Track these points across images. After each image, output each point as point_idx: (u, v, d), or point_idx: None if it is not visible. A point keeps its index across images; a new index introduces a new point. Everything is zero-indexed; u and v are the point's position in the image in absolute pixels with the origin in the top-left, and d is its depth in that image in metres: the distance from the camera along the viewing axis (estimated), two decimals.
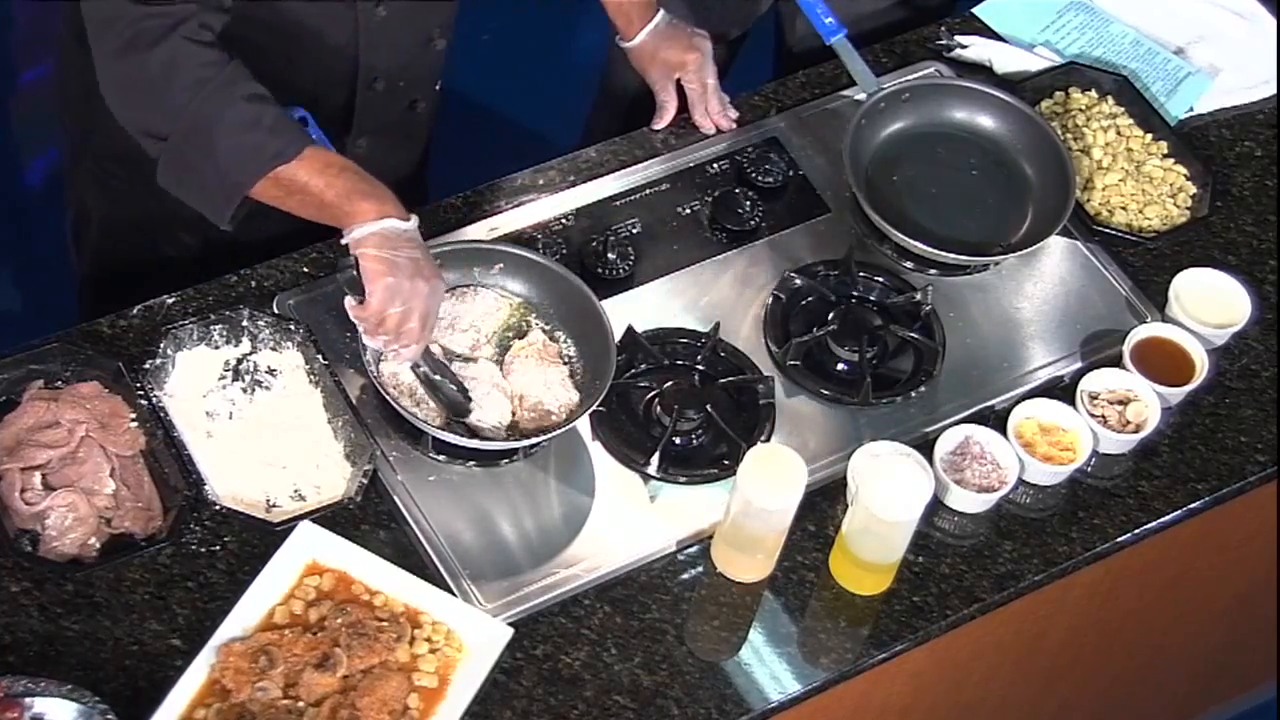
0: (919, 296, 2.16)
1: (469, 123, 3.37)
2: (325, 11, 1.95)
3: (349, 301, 1.88)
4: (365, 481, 1.94)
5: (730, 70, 2.53)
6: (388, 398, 1.95)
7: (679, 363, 2.10)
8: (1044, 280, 2.24)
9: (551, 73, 3.43)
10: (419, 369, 1.94)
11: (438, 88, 2.17)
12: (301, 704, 1.78)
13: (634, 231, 2.20)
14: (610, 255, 2.15)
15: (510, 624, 1.88)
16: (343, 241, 1.86)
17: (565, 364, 2.04)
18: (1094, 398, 2.10)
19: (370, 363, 1.97)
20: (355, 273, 1.85)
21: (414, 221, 1.87)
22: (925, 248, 2.18)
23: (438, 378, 1.95)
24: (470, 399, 1.97)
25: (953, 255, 2.18)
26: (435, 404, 1.96)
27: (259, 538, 1.90)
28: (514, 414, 2.00)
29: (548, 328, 2.06)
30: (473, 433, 1.97)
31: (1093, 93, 2.39)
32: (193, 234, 2.16)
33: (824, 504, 2.02)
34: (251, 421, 1.98)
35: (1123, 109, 2.37)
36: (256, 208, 1.90)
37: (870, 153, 2.28)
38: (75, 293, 2.36)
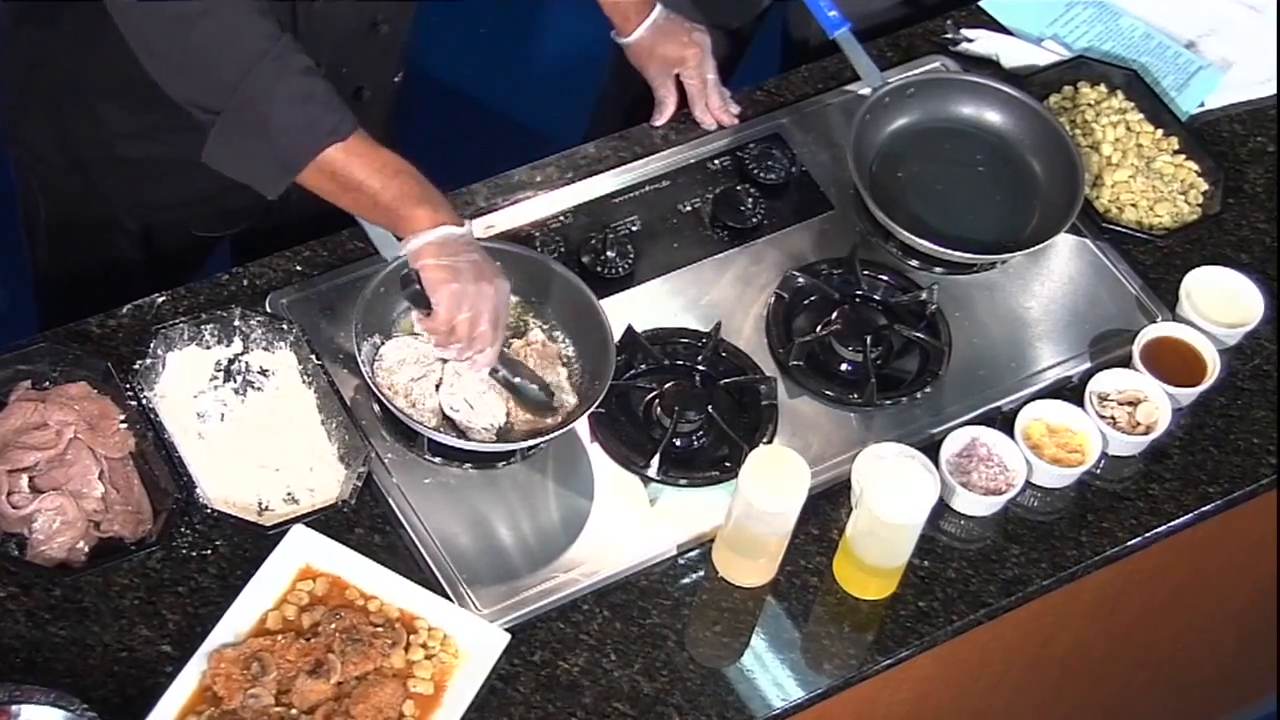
0: (924, 295, 2.16)
1: (465, 118, 3.38)
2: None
3: (415, 315, 1.90)
4: (359, 484, 1.94)
5: (738, 65, 2.53)
6: (382, 398, 1.96)
7: (679, 363, 2.10)
8: (1052, 279, 2.25)
9: (550, 68, 3.43)
10: (497, 373, 1.94)
11: (396, 79, 2.16)
12: (294, 711, 1.78)
13: (633, 229, 2.20)
14: (609, 253, 2.15)
15: (507, 629, 1.88)
16: (401, 254, 1.88)
17: (564, 365, 2.04)
18: (1103, 398, 2.11)
19: (365, 363, 1.97)
20: (418, 286, 1.86)
21: (469, 226, 1.88)
22: (931, 245, 2.18)
23: (517, 380, 1.96)
24: (553, 394, 1.97)
25: (959, 253, 2.19)
26: (519, 406, 1.97)
27: (251, 541, 1.91)
28: (510, 415, 2.00)
29: (546, 327, 2.07)
30: (466, 436, 1.98)
31: (1102, 87, 2.39)
32: (135, 220, 2.17)
33: (828, 507, 2.02)
34: (244, 423, 1.99)
35: (1133, 104, 2.38)
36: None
37: (875, 149, 2.28)
38: (35, 295, 2.37)
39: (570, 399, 2.01)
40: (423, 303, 1.87)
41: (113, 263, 2.22)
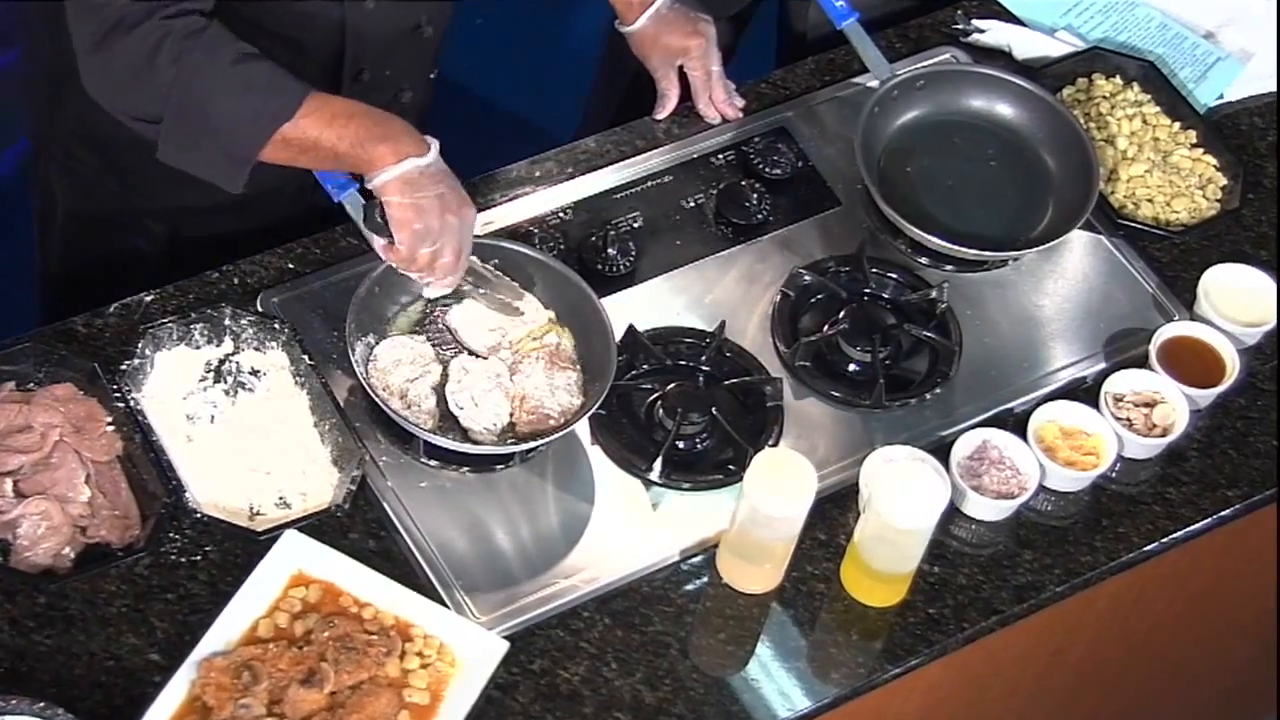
0: (934, 294, 2.16)
1: (462, 112, 3.37)
2: (312, 8, 1.96)
3: (377, 242, 1.92)
4: (353, 488, 1.94)
5: (735, 54, 2.53)
6: (377, 400, 1.96)
7: (682, 363, 2.10)
8: (1066, 276, 2.25)
9: (549, 60, 3.43)
10: (463, 286, 1.98)
11: (431, 77, 2.18)
12: None
13: (635, 226, 2.20)
14: (610, 251, 2.15)
15: (506, 637, 1.88)
16: (367, 187, 1.90)
17: (575, 369, 2.04)
18: (1119, 400, 2.11)
19: (359, 363, 1.97)
20: (380, 216, 1.89)
21: (434, 151, 1.90)
22: (941, 242, 2.18)
23: (483, 291, 2.00)
24: (519, 300, 2.02)
25: (970, 250, 2.19)
26: (488, 307, 2.02)
27: (242, 547, 1.91)
28: (512, 415, 2.00)
29: (563, 331, 2.06)
30: (466, 436, 1.98)
31: (1117, 79, 2.39)
32: (163, 223, 2.17)
33: (835, 511, 2.02)
34: (234, 425, 1.99)
35: (1149, 96, 2.38)
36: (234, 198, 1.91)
37: (883, 143, 2.28)
38: (39, 292, 2.36)
39: (575, 402, 2.01)
40: (387, 232, 1.90)
41: (128, 265, 2.21)
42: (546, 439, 1.97)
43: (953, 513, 2.02)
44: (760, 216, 2.22)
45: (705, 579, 1.97)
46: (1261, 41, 2.46)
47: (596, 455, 2.03)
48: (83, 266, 2.25)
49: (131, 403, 1.96)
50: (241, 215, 2.12)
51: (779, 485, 1.88)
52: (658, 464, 2.00)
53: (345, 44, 2.00)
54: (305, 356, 2.01)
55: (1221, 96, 2.42)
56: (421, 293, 2.00)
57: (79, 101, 1.93)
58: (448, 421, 1.99)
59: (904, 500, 1.88)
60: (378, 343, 2.01)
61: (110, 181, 2.11)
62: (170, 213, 2.00)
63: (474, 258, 2.00)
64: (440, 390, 2.00)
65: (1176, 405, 2.09)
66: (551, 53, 3.44)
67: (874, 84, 2.31)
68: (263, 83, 1.86)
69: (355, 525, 1.95)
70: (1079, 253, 2.26)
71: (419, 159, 1.88)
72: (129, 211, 2.16)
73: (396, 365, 1.99)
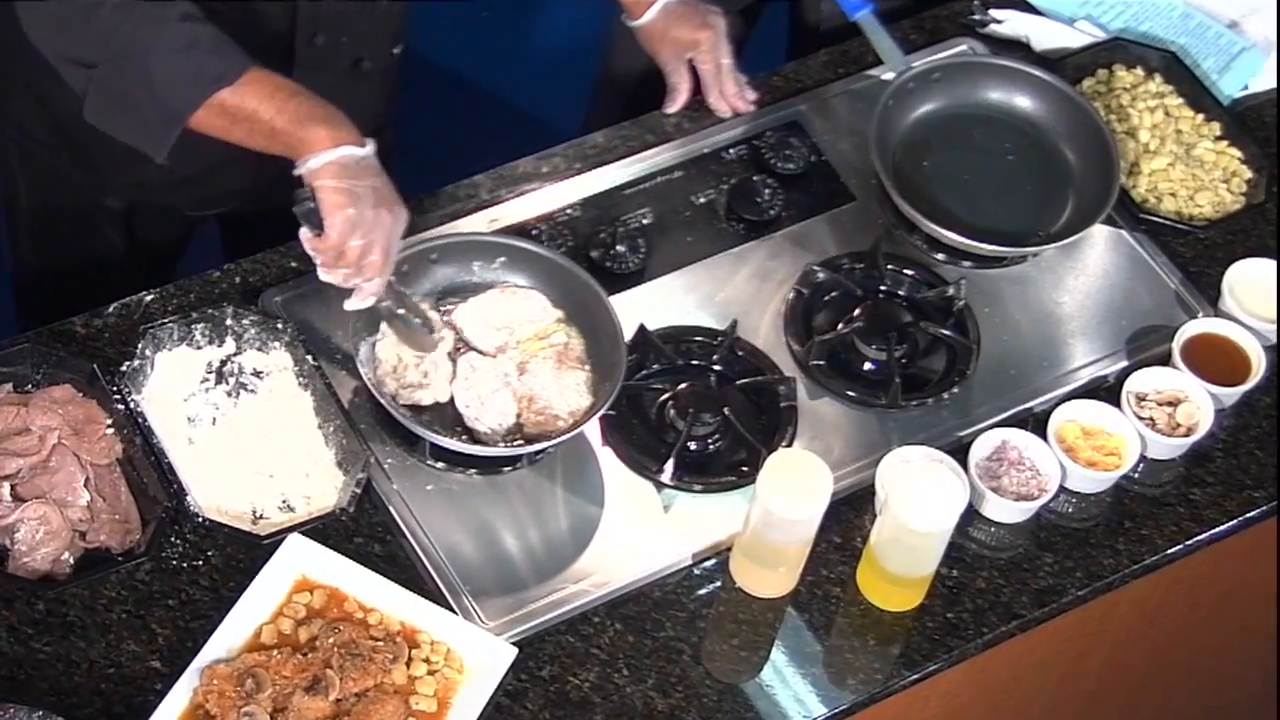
0: (951, 290, 2.16)
1: (467, 106, 3.38)
2: None
3: (305, 234, 1.88)
4: (358, 491, 1.94)
5: (746, 47, 2.53)
6: (382, 401, 1.96)
7: (694, 363, 2.10)
8: (1086, 272, 2.25)
9: (556, 53, 3.44)
10: (383, 303, 1.94)
11: (395, 52, 2.17)
12: None
13: (645, 222, 2.20)
14: (619, 248, 2.15)
15: (514, 643, 1.88)
16: (296, 172, 1.86)
17: (584, 369, 2.04)
18: (1141, 399, 2.11)
19: (363, 364, 1.97)
20: (312, 204, 1.85)
21: (371, 147, 1.87)
22: (958, 238, 2.18)
23: (401, 311, 1.96)
24: (434, 331, 1.97)
25: (988, 246, 2.19)
26: (400, 339, 1.97)
27: (244, 552, 1.91)
28: (519, 416, 2.00)
29: (570, 331, 2.06)
30: (473, 438, 1.98)
31: (1139, 70, 2.39)
32: (118, 198, 2.17)
33: (850, 514, 2.02)
34: (236, 427, 1.99)
35: (1171, 88, 2.37)
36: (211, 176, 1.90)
37: (899, 136, 2.28)
38: (13, 288, 2.37)
39: (584, 403, 2.01)
40: (315, 222, 1.86)
41: (96, 252, 2.22)
42: (555, 440, 1.97)
43: (971, 515, 2.02)
44: (773, 212, 2.22)
45: (718, 583, 1.97)
46: None
47: (606, 457, 2.03)
48: (53, 259, 2.26)
49: (131, 404, 1.96)
50: (200, 187, 2.11)
51: (793, 487, 1.88)
52: (669, 465, 2.00)
53: (298, 5, 1.99)
54: (309, 357, 2.02)
55: (1246, 88, 2.41)
56: (344, 305, 1.93)
57: (30, 74, 1.91)
58: (455, 423, 1.99)
59: (921, 502, 1.88)
60: (382, 340, 2.02)
61: (64, 161, 2.11)
62: (127, 186, 1.98)
63: (398, 284, 1.95)
64: (454, 359, 1.99)
65: (1200, 404, 2.09)
66: (558, 46, 3.45)
67: (889, 76, 2.31)
68: (208, 43, 1.85)
69: (360, 529, 1.95)
70: (1100, 248, 2.26)
71: (356, 149, 1.85)
72: (87, 192, 2.16)
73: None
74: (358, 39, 2.07)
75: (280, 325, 2.03)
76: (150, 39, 1.83)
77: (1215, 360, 2.13)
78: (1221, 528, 2.07)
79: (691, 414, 2.03)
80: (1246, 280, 2.19)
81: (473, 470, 2.00)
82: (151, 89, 1.85)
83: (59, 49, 1.89)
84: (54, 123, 1.96)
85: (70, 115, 1.94)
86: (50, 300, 2.27)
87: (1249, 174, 2.31)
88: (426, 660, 1.85)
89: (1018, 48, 2.41)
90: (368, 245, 1.86)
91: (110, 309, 2.06)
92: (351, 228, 1.85)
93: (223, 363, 2.02)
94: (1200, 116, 2.35)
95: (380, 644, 1.84)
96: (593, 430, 2.03)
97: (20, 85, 2.04)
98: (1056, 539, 2.04)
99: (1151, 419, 2.09)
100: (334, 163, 1.84)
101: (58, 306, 2.08)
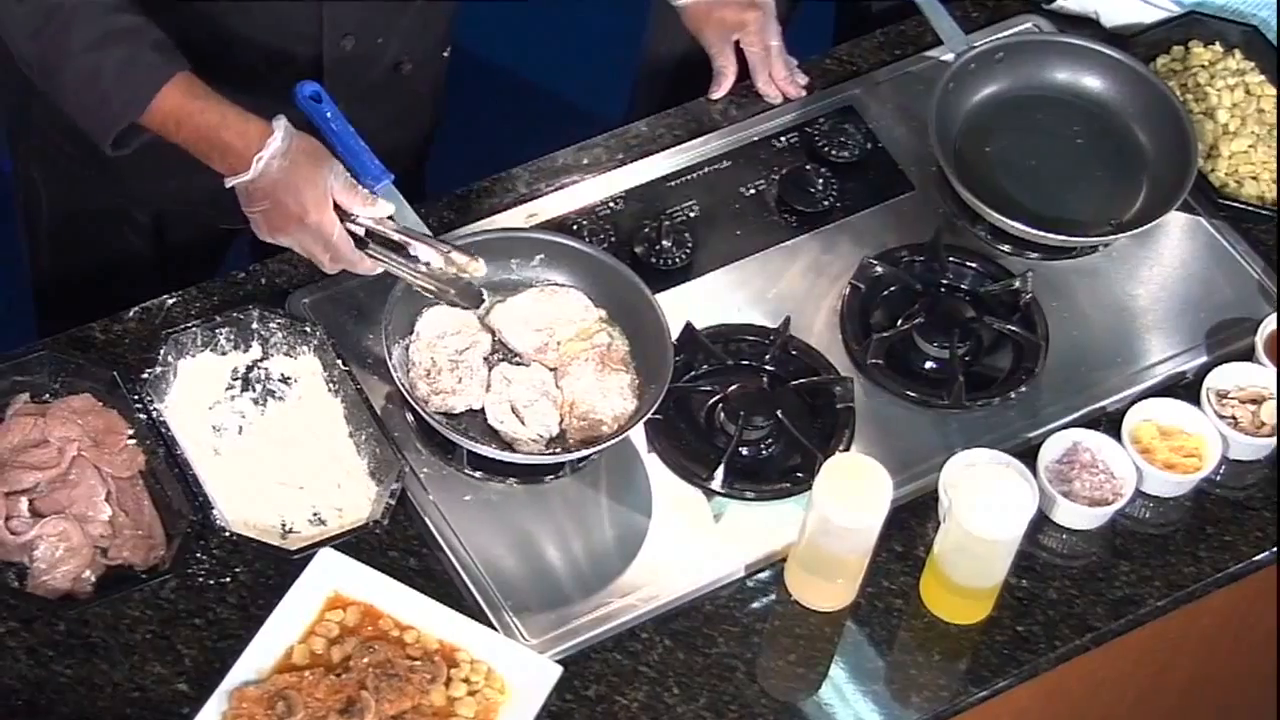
0: (1017, 284, 2.15)
1: (502, 96, 3.39)
2: None
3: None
4: (393, 502, 1.95)
5: (790, 27, 2.52)
6: (416, 406, 1.97)
7: (745, 363, 2.10)
8: (1162, 263, 2.23)
9: (595, 39, 3.44)
10: (378, 264, 1.96)
11: (445, 54, 2.17)
12: None
13: (691, 215, 2.20)
14: (665, 243, 2.15)
15: (559, 661, 1.89)
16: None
17: (628, 370, 2.04)
18: (1222, 396, 2.09)
19: (396, 368, 1.98)
20: None
21: (255, 168, 1.88)
22: (1024, 228, 2.17)
23: (398, 258, 1.96)
24: (468, 268, 1.96)
25: (1056, 236, 2.18)
26: (445, 302, 1.99)
27: (274, 567, 1.92)
28: (561, 422, 2.01)
29: (614, 331, 2.06)
30: (513, 445, 1.98)
31: (1217, 46, 2.38)
32: (147, 213, 2.20)
33: (912, 521, 2.02)
34: (264, 436, 2.00)
35: (1252, 64, 2.36)
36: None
37: (960, 121, 2.27)
38: (34, 297, 2.39)
39: (629, 407, 2.01)
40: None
41: (120, 261, 2.24)
42: (599, 447, 1.97)
43: (1041, 521, 2.01)
44: (826, 203, 2.22)
45: (773, 596, 1.97)
46: None
47: (653, 463, 2.03)
48: (75, 268, 2.28)
49: (154, 414, 1.98)
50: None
51: (851, 494, 1.88)
52: (719, 472, 2.00)
53: (321, 5, 1.99)
54: (339, 361, 2.02)
55: None
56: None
57: None
58: (494, 430, 2.00)
59: (987, 508, 1.88)
60: (415, 342, 2.02)
61: (91, 173, 2.13)
62: (153, 199, 2.01)
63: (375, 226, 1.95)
64: (490, 363, 2.01)
65: None
66: (598, 31, 3.45)
67: (948, 57, 2.30)
68: (111, 79, 1.89)
69: (395, 542, 1.95)
70: (1176, 236, 2.25)
71: (241, 176, 1.90)
72: (113, 201, 2.18)
73: (442, 337, 2.00)
74: (393, 41, 2.08)
75: (309, 328, 2.04)
76: (56, 69, 1.90)
77: None
78: None
79: (743, 417, 2.02)
80: None
81: (513, 479, 2.00)
82: (70, 110, 1.92)
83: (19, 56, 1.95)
84: (76, 133, 1.98)
85: None
86: (74, 311, 2.28)
87: None
88: (466, 680, 1.86)
89: (1086, 24, 2.40)
90: (305, 251, 1.93)
91: (130, 314, 2.07)
92: (276, 242, 1.93)
93: (249, 369, 2.03)
94: None
95: (418, 664, 1.84)
96: (638, 436, 2.03)
97: (41, 95, 2.06)
98: (1133, 546, 2.03)
99: (1234, 417, 2.08)
100: (238, 190, 1.91)
101: (81, 318, 2.09)
